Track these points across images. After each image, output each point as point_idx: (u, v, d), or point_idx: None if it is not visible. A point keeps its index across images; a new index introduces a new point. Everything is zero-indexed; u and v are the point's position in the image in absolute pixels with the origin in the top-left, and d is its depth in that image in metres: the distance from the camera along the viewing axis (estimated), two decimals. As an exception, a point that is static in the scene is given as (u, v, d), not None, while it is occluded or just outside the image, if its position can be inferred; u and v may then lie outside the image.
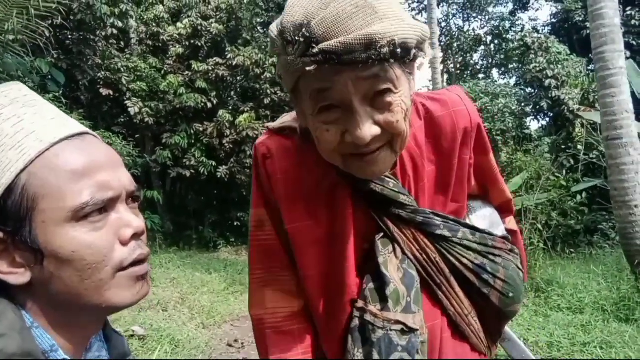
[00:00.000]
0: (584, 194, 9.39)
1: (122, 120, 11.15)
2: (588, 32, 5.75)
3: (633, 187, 4.72)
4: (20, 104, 0.66)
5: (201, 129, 10.88)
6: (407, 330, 0.86)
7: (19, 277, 0.62)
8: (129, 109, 10.23)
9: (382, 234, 0.93)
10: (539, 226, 6.21)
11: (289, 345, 0.93)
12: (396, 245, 0.93)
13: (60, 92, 6.96)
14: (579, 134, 10.27)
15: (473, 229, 0.97)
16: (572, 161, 10.12)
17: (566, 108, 10.69)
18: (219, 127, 10.81)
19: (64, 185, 0.61)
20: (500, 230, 1.05)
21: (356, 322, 0.89)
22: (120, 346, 0.77)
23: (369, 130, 0.75)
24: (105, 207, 0.64)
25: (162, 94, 10.72)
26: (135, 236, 0.66)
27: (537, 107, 11.71)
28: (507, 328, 1.15)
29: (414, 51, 0.74)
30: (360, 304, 0.90)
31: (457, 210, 0.99)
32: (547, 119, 12.40)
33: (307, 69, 0.71)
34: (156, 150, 10.82)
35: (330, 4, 0.70)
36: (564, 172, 10.11)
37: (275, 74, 11.03)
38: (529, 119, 12.69)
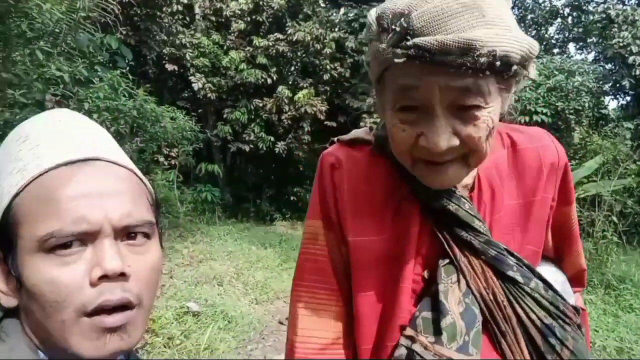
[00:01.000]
0: (666, 183, 8.62)
1: (186, 95, 11.48)
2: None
3: None
4: (48, 130, 0.65)
5: (261, 105, 11.00)
6: None
7: (9, 299, 0.61)
8: (193, 84, 10.49)
9: (447, 261, 0.83)
10: (614, 218, 5.75)
11: None
12: (461, 277, 0.83)
13: (128, 67, 7.22)
14: (665, 117, 9.38)
15: (547, 284, 0.85)
16: (655, 146, 9.30)
17: (651, 87, 9.77)
18: (278, 103, 10.87)
19: (40, 212, 0.58)
20: (570, 300, 0.91)
21: (402, 350, 0.80)
22: None
23: (446, 140, 0.70)
24: (84, 241, 0.58)
25: (224, 69, 10.89)
26: (106, 278, 0.57)
27: (618, 85, 10.81)
28: None
29: (515, 67, 0.66)
30: (409, 332, 0.81)
31: (532, 256, 0.88)
32: (628, 99, 11.42)
33: (397, 60, 0.66)
34: (217, 125, 11.08)
35: None
36: (645, 158, 9.32)
37: (334, 51, 10.87)
38: (607, 98, 11.76)
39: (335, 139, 0.95)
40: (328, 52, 10.89)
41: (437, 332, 0.79)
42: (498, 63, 0.64)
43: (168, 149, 8.62)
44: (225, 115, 11.00)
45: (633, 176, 8.53)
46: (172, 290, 4.10)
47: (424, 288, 0.85)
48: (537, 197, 0.87)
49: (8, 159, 0.63)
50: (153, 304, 0.65)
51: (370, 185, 0.87)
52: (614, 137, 9.32)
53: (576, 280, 0.99)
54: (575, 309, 0.88)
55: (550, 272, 0.93)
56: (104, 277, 0.57)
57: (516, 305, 0.82)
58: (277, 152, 11.13)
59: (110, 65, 7.05)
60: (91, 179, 0.61)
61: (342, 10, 11.87)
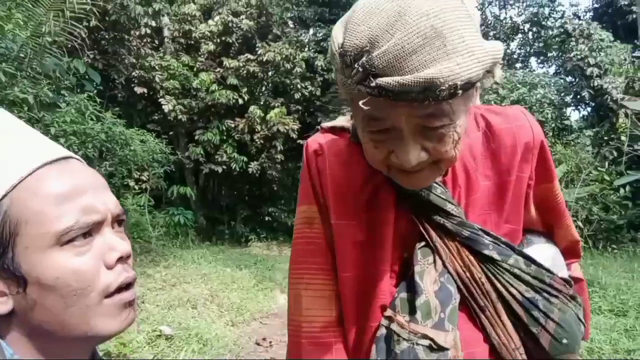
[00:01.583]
0: (627, 188, 8.93)
1: (156, 117, 11.38)
2: (634, 16, 5.42)
3: (682, 182, 4.43)
4: (1, 131, 0.65)
5: (232, 125, 10.99)
6: (436, 348, 0.80)
7: (1, 305, 0.60)
8: (163, 107, 10.43)
9: (423, 243, 0.88)
10: (579, 222, 5.93)
11: (324, 356, 0.89)
12: (437, 257, 0.86)
13: (95, 91, 7.12)
14: (623, 125, 9.78)
15: (529, 259, 0.88)
16: (615, 153, 9.66)
17: (609, 97, 10.20)
18: (250, 123, 10.89)
19: (47, 209, 0.60)
20: (562, 273, 0.94)
21: (383, 330, 0.85)
22: None
23: (416, 157, 0.74)
24: (90, 231, 0.62)
25: (195, 91, 10.88)
26: (121, 259, 0.64)
27: (578, 96, 11.24)
28: None
29: (478, 83, 0.70)
30: (389, 312, 0.85)
31: (510, 233, 0.91)
32: (589, 109, 11.88)
33: (360, 103, 0.69)
34: (189, 147, 11.00)
35: (397, 32, 0.65)
36: (607, 164, 9.66)
37: (304, 70, 11.00)
38: (569, 109, 12.19)
39: (319, 126, 0.99)
40: (298, 71, 11.02)
41: (412, 311, 0.82)
42: (460, 91, 0.66)
43: (138, 173, 8.48)
44: (196, 137, 10.94)
45: (596, 183, 8.83)
46: (143, 314, 3.99)
47: (403, 270, 0.89)
48: (512, 177, 0.89)
49: None
50: None
51: (350, 172, 0.91)
52: (575, 146, 9.64)
53: (569, 251, 1.01)
54: (567, 280, 0.90)
55: (540, 247, 0.96)
56: (119, 260, 0.64)
57: (495, 281, 0.85)
58: (250, 172, 11.10)
59: (78, 89, 6.94)
60: (79, 175, 0.65)
61: (311, 31, 12.09)
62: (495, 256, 0.85)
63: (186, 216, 9.60)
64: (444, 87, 0.64)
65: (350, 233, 0.89)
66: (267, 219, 12.31)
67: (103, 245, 0.63)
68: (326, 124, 0.98)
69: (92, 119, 5.82)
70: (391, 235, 0.88)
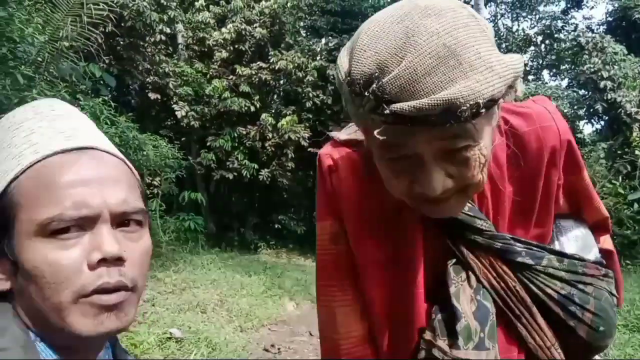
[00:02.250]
0: (642, 203, 8.83)
1: (169, 123, 11.48)
2: (649, 30, 5.41)
3: (699, 196, 4.37)
4: (41, 118, 0.67)
5: (244, 132, 11.05)
6: None
7: (2, 282, 0.61)
8: (176, 113, 10.52)
9: (454, 260, 0.85)
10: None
11: None
12: (470, 273, 0.84)
13: (110, 96, 7.23)
14: (637, 139, 9.69)
15: (560, 254, 0.87)
16: (629, 167, 9.56)
17: (623, 111, 10.12)
18: (262, 131, 10.95)
19: (41, 197, 0.59)
20: (593, 254, 0.93)
21: (423, 354, 0.83)
22: None
23: (440, 184, 0.69)
24: (82, 226, 0.60)
25: (208, 97, 10.97)
26: (105, 262, 0.59)
27: (591, 110, 11.17)
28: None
29: (501, 100, 0.66)
30: (428, 335, 0.83)
31: (541, 235, 0.89)
32: (602, 123, 11.80)
33: (375, 133, 0.64)
34: (201, 153, 11.07)
35: (407, 54, 0.62)
36: (620, 178, 9.56)
37: (316, 78, 11.05)
38: (582, 122, 12.12)
39: (331, 135, 0.94)
40: (310, 80, 11.08)
41: (453, 334, 0.81)
42: (483, 110, 0.62)
43: (150, 178, 8.55)
44: (208, 143, 11.01)
45: (610, 197, 8.74)
46: (154, 316, 4.01)
47: (435, 289, 0.86)
48: (540, 182, 0.86)
49: (0, 146, 0.65)
50: (144, 286, 0.68)
51: (368, 190, 0.86)
52: (589, 159, 9.56)
53: (599, 227, 0.98)
54: (598, 262, 0.90)
55: (571, 232, 0.94)
56: (103, 261, 0.59)
57: (531, 286, 0.84)
58: (261, 179, 11.13)
59: (93, 94, 7.04)
60: (89, 167, 0.63)
61: (324, 40, 12.15)
62: (529, 261, 0.84)
63: (196, 222, 9.63)
64: (465, 107, 0.60)
65: (371, 252, 0.87)
66: (276, 226, 12.32)
67: (91, 243, 0.60)
68: (339, 136, 0.92)
69: (106, 123, 5.90)
70: (421, 256, 0.85)
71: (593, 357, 0.94)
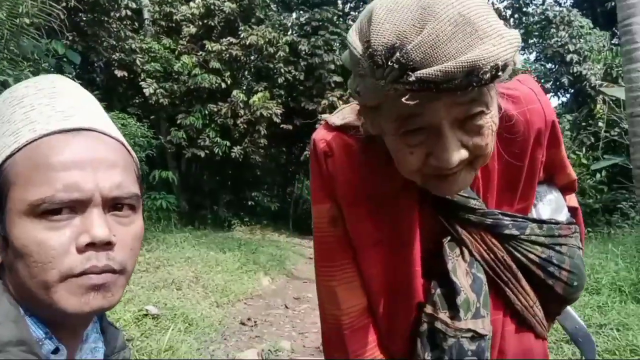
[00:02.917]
0: (603, 172, 9.18)
1: (137, 101, 11.22)
2: (613, 3, 5.53)
3: (655, 165, 4.58)
4: (42, 95, 0.66)
5: (215, 110, 10.90)
6: (477, 336, 0.87)
7: None
8: (144, 90, 10.28)
9: (449, 238, 0.92)
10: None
11: (364, 339, 0.94)
12: (464, 249, 0.91)
13: (75, 74, 7.00)
14: (601, 111, 10.00)
15: (540, 222, 0.95)
16: (592, 139, 9.89)
17: (588, 84, 10.40)
18: (233, 108, 10.82)
19: (33, 177, 0.60)
20: (564, 214, 1.02)
21: (425, 327, 0.89)
22: (115, 339, 0.76)
23: (457, 155, 0.72)
24: (74, 208, 0.60)
25: (177, 74, 10.74)
26: (93, 246, 0.60)
27: (558, 83, 11.43)
28: None
29: (510, 67, 0.68)
30: (429, 309, 0.90)
31: (524, 208, 0.97)
32: (568, 96, 12.09)
33: (404, 100, 0.65)
34: (171, 131, 10.89)
35: (427, 24, 0.64)
36: (584, 150, 9.89)
37: (288, 54, 10.91)
38: (548, 95, 12.37)
39: (324, 119, 0.96)
40: (282, 55, 10.96)
41: (453, 307, 0.87)
42: (501, 73, 0.65)
43: (120, 157, 8.38)
44: (179, 121, 10.83)
45: (574, 167, 9.03)
46: (129, 294, 3.99)
47: (433, 263, 0.92)
48: (526, 160, 0.91)
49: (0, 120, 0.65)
50: (133, 269, 0.68)
51: (364, 174, 0.89)
52: (555, 131, 9.83)
53: (566, 188, 1.07)
54: (570, 222, 0.99)
55: (546, 198, 1.02)
56: (91, 245, 0.60)
57: (516, 253, 0.92)
58: (233, 157, 11.06)
59: (57, 72, 6.80)
60: (84, 149, 0.62)
61: (295, 15, 11.99)
62: (515, 232, 0.91)
63: (168, 200, 9.54)
64: (486, 69, 0.63)
65: (369, 234, 0.91)
66: (250, 203, 12.32)
67: (81, 226, 0.60)
68: (333, 121, 0.93)
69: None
70: (418, 235, 0.90)
71: (566, 306, 1.05)
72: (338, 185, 0.90)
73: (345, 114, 0.93)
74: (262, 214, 12.76)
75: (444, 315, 0.88)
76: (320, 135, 0.92)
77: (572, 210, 1.06)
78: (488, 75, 0.64)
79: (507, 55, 0.65)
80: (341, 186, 0.90)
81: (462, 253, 0.91)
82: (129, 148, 0.70)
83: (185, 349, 3.27)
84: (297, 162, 13.19)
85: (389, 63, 0.65)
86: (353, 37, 0.71)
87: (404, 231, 0.90)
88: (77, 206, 0.60)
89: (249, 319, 4.46)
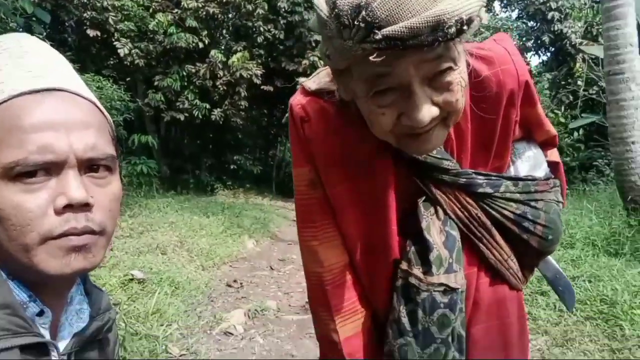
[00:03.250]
0: (581, 131, 9.36)
1: (112, 62, 10.86)
2: (594, -41, 5.48)
3: (632, 123, 4.67)
4: (8, 54, 0.64)
5: (193, 71, 10.63)
6: (449, 290, 0.91)
7: None
8: (119, 51, 9.92)
9: (424, 198, 0.95)
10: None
11: (346, 294, 0.99)
12: (438, 208, 0.95)
13: (45, 34, 6.70)
14: (580, 69, 10.07)
15: (515, 179, 0.97)
16: (571, 97, 10.00)
17: (568, 42, 10.42)
18: (212, 68, 10.55)
19: (6, 139, 0.58)
20: (543, 169, 1.04)
21: (400, 282, 0.94)
22: (100, 301, 0.76)
23: (428, 112, 0.73)
24: (48, 170, 0.60)
25: (152, 33, 10.37)
26: (71, 207, 0.59)
27: (539, 41, 11.40)
28: None
29: (475, 22, 0.69)
30: (404, 266, 0.94)
31: (499, 166, 0.99)
32: (549, 54, 12.10)
33: (371, 58, 0.66)
34: (148, 94, 10.62)
35: None
36: (563, 108, 10.01)
37: (267, 11, 10.60)
38: (529, 54, 12.38)
39: (301, 83, 0.97)
40: (260, 13, 10.64)
41: (427, 263, 0.92)
42: (466, 27, 0.66)
43: (97, 121, 8.18)
44: (156, 83, 10.55)
45: (552, 126, 9.16)
46: (114, 260, 4.00)
47: (408, 222, 0.95)
48: (499, 121, 0.93)
49: None
50: (114, 230, 0.68)
51: (341, 137, 0.91)
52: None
53: (547, 143, 1.08)
54: (547, 177, 1.02)
55: (525, 153, 1.04)
56: (69, 207, 0.59)
57: (490, 210, 0.95)
58: (213, 119, 10.89)
59: (26, 31, 6.50)
60: (56, 110, 0.61)
61: (273, -30, 11.55)
62: (489, 190, 0.94)
63: (149, 165, 9.41)
64: (451, 23, 0.64)
65: (346, 196, 0.94)
66: (232, 167, 12.26)
67: (58, 188, 0.60)
68: (309, 85, 0.94)
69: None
70: (393, 195, 0.93)
71: (542, 259, 1.09)
72: (315, 148, 0.93)
73: (321, 77, 0.95)
74: (245, 178, 12.72)
75: (417, 271, 0.92)
76: (297, 100, 0.94)
77: (553, 164, 1.08)
78: (453, 29, 0.65)
79: (471, 9, 0.66)
80: (318, 150, 0.93)
81: (436, 212, 0.95)
82: (102, 109, 0.69)
83: (172, 311, 3.31)
84: (279, 124, 13.07)
85: (355, 22, 0.65)
86: (319, 0, 0.71)
87: (379, 192, 0.93)
88: (52, 168, 0.59)
89: (234, 281, 4.52)
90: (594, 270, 3.76)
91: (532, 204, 0.96)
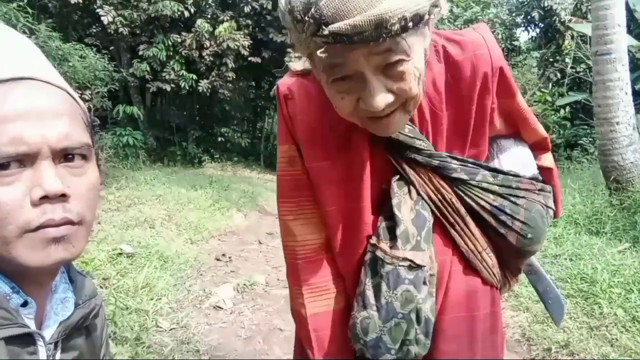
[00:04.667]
0: (567, 109, 9.43)
1: (95, 30, 10.54)
2: (588, -64, 5.43)
3: (617, 103, 4.73)
4: None
5: (179, 40, 10.39)
6: (415, 267, 0.93)
7: None
8: (102, 18, 9.62)
9: (398, 176, 0.98)
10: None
11: (318, 271, 1.02)
12: (411, 187, 0.97)
13: (26, 0, 6.46)
14: (568, 47, 10.08)
15: (495, 171, 0.99)
16: (559, 75, 10.04)
17: (557, 19, 10.38)
18: (198, 38, 10.33)
19: None
20: (530, 171, 1.05)
21: (369, 256, 0.97)
22: (85, 287, 0.75)
23: (382, 99, 0.77)
24: (22, 162, 0.59)
25: (136, 1, 10.06)
26: (47, 199, 0.59)
27: (529, 17, 11.34)
28: (535, 261, 1.21)
29: (427, 16, 0.73)
30: (373, 240, 0.97)
31: (477, 154, 1.00)
32: (538, 31, 12.06)
33: (318, 52, 0.72)
34: (133, 64, 10.38)
35: None
36: (550, 86, 10.06)
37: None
38: (519, 30, 12.33)
39: (288, 65, 1.02)
40: (248, -18, 10.37)
41: (394, 238, 0.95)
42: (410, 23, 0.70)
43: (80, 92, 7.98)
44: (141, 52, 10.30)
45: (539, 104, 9.22)
46: (101, 234, 3.98)
47: (382, 200, 0.99)
48: (473, 106, 0.95)
49: None
50: (94, 219, 0.67)
51: (321, 115, 0.95)
52: (522, 67, 9.90)
53: (538, 147, 1.10)
54: (534, 178, 1.03)
55: (510, 150, 1.05)
56: (45, 198, 0.58)
57: (466, 198, 0.97)
58: (200, 91, 10.73)
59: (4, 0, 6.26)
60: (27, 100, 0.60)
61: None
62: (464, 176, 0.96)
63: (135, 137, 9.30)
64: (394, 21, 0.68)
65: (325, 173, 0.98)
66: (220, 139, 12.14)
67: (33, 180, 0.59)
68: (295, 66, 1.00)
69: (24, 32, 5.33)
70: (369, 173, 0.96)
71: (523, 260, 1.10)
72: (297, 125, 0.98)
73: (306, 62, 0.98)
74: (233, 150, 12.64)
75: (384, 245, 0.95)
76: (283, 80, 1.00)
77: (546, 170, 1.08)
78: (397, 26, 0.69)
79: (418, 7, 0.70)
80: (300, 126, 0.97)
81: (409, 191, 0.98)
82: (75, 96, 0.68)
83: (162, 285, 3.34)
84: (267, 96, 12.92)
85: (306, 18, 0.70)
86: None
87: (355, 167, 0.96)
88: (26, 159, 0.58)
89: (223, 255, 4.55)
90: (575, 248, 3.86)
91: (512, 199, 0.98)
